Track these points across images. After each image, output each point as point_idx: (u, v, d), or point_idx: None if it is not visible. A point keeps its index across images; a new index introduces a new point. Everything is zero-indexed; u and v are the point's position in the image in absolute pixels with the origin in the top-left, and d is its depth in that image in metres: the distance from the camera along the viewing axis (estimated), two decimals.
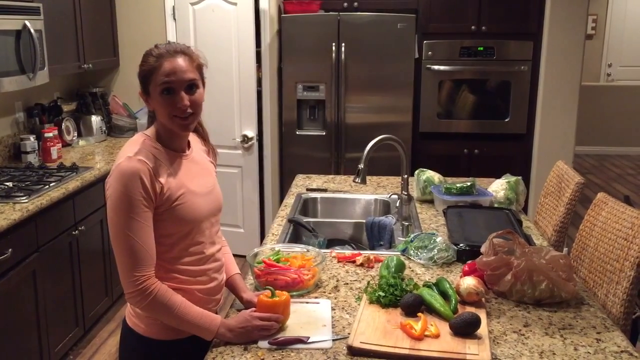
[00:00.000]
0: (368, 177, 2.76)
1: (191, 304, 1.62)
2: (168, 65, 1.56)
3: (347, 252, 2.28)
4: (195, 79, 1.60)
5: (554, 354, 1.56)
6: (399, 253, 2.23)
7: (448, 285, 1.81)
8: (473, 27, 4.52)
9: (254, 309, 1.67)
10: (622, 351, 1.58)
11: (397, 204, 2.60)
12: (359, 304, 1.81)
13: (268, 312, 1.64)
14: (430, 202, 2.88)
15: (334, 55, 4.40)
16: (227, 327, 1.61)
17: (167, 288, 1.59)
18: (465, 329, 1.60)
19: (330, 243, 2.61)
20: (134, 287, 1.55)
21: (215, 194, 1.76)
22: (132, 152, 1.57)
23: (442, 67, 4.58)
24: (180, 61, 1.58)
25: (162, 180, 1.58)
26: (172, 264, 1.65)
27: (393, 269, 1.96)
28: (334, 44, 4.39)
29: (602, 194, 2.45)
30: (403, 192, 2.56)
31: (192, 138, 1.77)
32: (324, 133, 4.57)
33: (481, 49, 4.53)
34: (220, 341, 1.62)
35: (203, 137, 1.84)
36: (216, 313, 1.84)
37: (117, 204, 1.54)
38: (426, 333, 1.60)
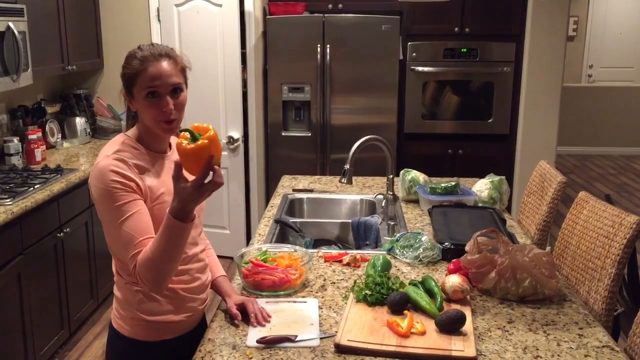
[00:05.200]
0: (354, 178, 2.79)
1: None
2: (153, 70, 1.56)
3: (334, 251, 2.29)
4: (179, 83, 1.61)
5: (537, 349, 1.59)
6: (385, 252, 2.25)
7: (434, 284, 1.84)
8: (456, 29, 4.56)
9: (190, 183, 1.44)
10: (603, 346, 1.62)
11: (383, 204, 2.63)
12: (345, 303, 1.83)
13: (193, 161, 1.41)
14: (416, 201, 2.91)
15: (319, 56, 4.42)
16: (176, 205, 1.43)
17: (139, 255, 1.51)
18: (451, 325, 1.63)
19: (317, 243, 2.62)
20: (133, 276, 1.53)
21: None
22: (111, 151, 1.59)
23: (426, 69, 4.62)
24: (165, 65, 1.58)
25: (142, 178, 1.59)
26: None
27: (379, 268, 1.98)
28: (319, 45, 4.40)
29: (584, 193, 2.49)
30: (388, 192, 2.58)
31: (174, 139, 1.78)
32: (310, 134, 4.59)
33: (464, 50, 4.58)
34: (208, 341, 1.63)
35: None
36: (203, 312, 1.85)
37: (101, 201, 1.55)
38: (412, 330, 1.62)
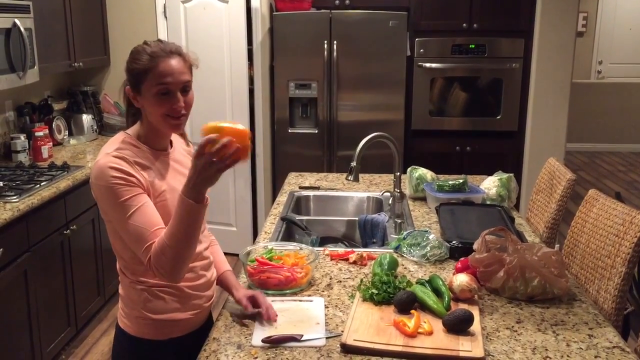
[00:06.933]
0: (360, 175, 2.76)
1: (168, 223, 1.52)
2: (164, 66, 1.56)
3: (340, 249, 2.28)
4: (189, 81, 1.61)
5: (547, 349, 1.57)
6: (391, 250, 2.23)
7: (441, 283, 1.82)
8: (465, 25, 4.53)
9: None
10: (614, 347, 1.59)
11: (390, 202, 2.61)
12: (352, 302, 1.82)
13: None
14: (423, 199, 2.89)
15: (325, 53, 4.39)
16: (189, 184, 1.44)
17: (153, 243, 1.51)
18: (459, 325, 1.61)
19: (323, 241, 2.61)
20: (149, 268, 1.52)
21: None
22: (111, 149, 1.58)
23: (434, 65, 4.58)
24: (175, 62, 1.58)
25: (144, 174, 1.58)
26: None
27: (386, 267, 1.97)
28: (325, 41, 4.38)
29: (594, 190, 2.46)
30: (395, 189, 2.56)
31: (174, 137, 1.77)
32: (316, 131, 4.57)
33: (473, 46, 4.54)
34: (213, 340, 1.62)
35: (184, 136, 1.84)
36: (210, 310, 1.84)
37: (104, 198, 1.54)
38: (419, 330, 1.60)
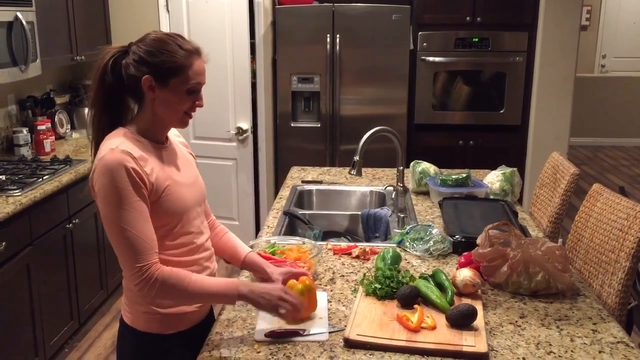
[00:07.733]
0: (363, 169, 2.76)
1: (204, 277, 1.62)
2: (198, 65, 1.59)
3: (343, 244, 2.27)
4: None
5: (550, 344, 1.56)
6: (394, 245, 2.23)
7: (444, 277, 1.81)
8: (468, 18, 4.50)
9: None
10: (618, 342, 1.59)
11: (393, 196, 2.60)
12: (355, 296, 1.81)
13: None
14: (426, 193, 2.88)
15: (328, 46, 4.38)
16: (250, 288, 1.59)
17: (171, 270, 1.55)
18: (462, 320, 1.60)
19: (326, 235, 2.60)
20: (139, 278, 1.52)
21: (199, 184, 1.76)
22: (115, 144, 1.54)
23: (437, 59, 4.56)
24: (202, 62, 1.62)
25: (148, 170, 1.56)
26: (164, 255, 1.63)
27: (389, 261, 1.96)
28: (328, 35, 4.36)
29: (598, 185, 2.45)
30: (398, 183, 2.56)
31: (172, 131, 1.77)
32: (319, 125, 4.56)
33: (476, 40, 4.52)
34: (216, 334, 1.62)
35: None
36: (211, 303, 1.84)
37: (106, 198, 1.51)
38: (422, 325, 1.60)
